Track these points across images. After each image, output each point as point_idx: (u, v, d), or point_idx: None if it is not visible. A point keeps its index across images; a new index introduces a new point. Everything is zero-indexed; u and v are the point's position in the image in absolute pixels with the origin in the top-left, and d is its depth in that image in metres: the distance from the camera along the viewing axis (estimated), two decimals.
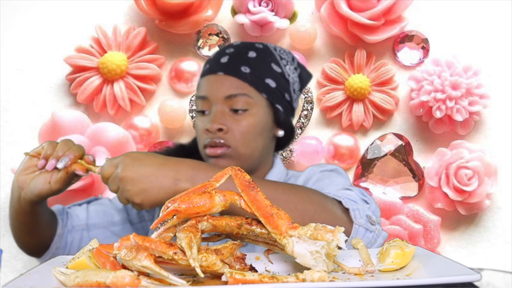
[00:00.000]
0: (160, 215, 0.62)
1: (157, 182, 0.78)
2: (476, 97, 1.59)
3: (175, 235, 0.61)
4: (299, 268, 0.59)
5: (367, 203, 0.90)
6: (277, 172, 1.09)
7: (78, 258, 0.63)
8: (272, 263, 0.66)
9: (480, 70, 1.60)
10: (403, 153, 1.67)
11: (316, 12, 1.71)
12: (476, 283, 0.55)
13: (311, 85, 1.67)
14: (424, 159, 1.69)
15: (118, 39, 1.67)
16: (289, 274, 0.56)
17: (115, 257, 0.60)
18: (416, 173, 1.66)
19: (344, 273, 0.62)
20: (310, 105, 1.69)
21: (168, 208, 0.61)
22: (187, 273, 0.62)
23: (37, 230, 1.01)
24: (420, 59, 1.69)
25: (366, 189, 1.67)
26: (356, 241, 0.69)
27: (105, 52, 1.67)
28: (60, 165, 0.88)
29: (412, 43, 1.68)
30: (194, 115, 1.68)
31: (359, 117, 1.67)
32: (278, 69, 1.04)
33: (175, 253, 0.56)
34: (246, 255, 0.65)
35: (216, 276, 0.59)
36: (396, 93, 1.69)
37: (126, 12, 1.74)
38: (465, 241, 1.69)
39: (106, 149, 1.58)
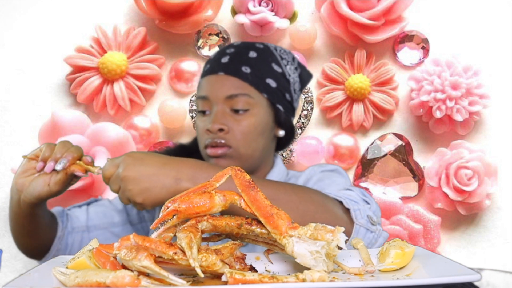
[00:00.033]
0: (160, 215, 0.62)
1: (159, 181, 0.78)
2: (476, 97, 1.59)
3: (175, 235, 0.61)
4: (299, 268, 0.59)
5: (368, 203, 0.90)
6: (277, 172, 1.09)
7: (78, 258, 0.63)
8: (272, 263, 0.66)
9: (480, 70, 1.60)
10: (403, 153, 1.67)
11: (316, 12, 1.71)
12: (476, 283, 0.55)
13: (311, 85, 1.67)
14: (424, 159, 1.69)
15: (118, 39, 1.67)
16: (289, 274, 0.56)
17: (115, 257, 0.60)
18: (416, 173, 1.66)
19: (344, 273, 0.62)
20: (310, 105, 1.69)
21: (168, 208, 0.61)
22: (187, 273, 0.62)
23: (37, 232, 1.01)
24: (420, 59, 1.69)
25: (366, 189, 1.67)
26: (356, 241, 0.69)
27: (105, 52, 1.67)
28: (58, 167, 0.88)
29: (412, 43, 1.68)
30: (194, 115, 1.68)
31: (359, 117, 1.67)
32: (278, 69, 1.04)
33: (175, 253, 0.56)
34: (246, 255, 0.65)
35: (216, 276, 0.59)
36: (396, 93, 1.69)
37: (126, 12, 1.74)
38: (465, 241, 1.69)
39: (106, 149, 1.58)
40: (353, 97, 1.67)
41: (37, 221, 0.98)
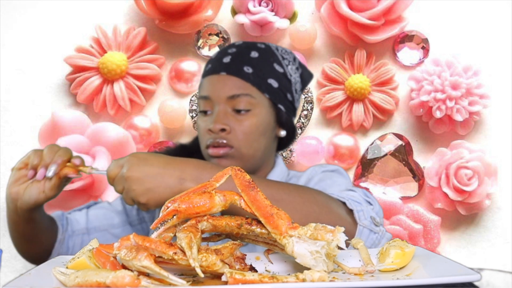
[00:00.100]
0: (160, 215, 0.62)
1: (163, 181, 0.78)
2: (476, 97, 1.59)
3: (175, 235, 0.61)
4: (299, 268, 0.59)
5: (371, 204, 0.90)
6: (278, 172, 1.09)
7: (78, 258, 0.63)
8: (272, 263, 0.66)
9: (480, 70, 1.61)
10: (403, 153, 1.67)
11: (316, 12, 1.71)
12: (476, 283, 0.55)
13: (311, 85, 1.67)
14: (424, 159, 1.69)
15: (118, 39, 1.67)
16: (289, 274, 0.56)
17: (115, 257, 0.60)
18: (416, 173, 1.66)
19: (344, 273, 0.62)
20: (310, 105, 1.69)
21: (168, 208, 0.61)
22: (187, 273, 0.62)
23: (37, 237, 1.01)
24: (420, 59, 1.69)
25: (366, 189, 1.67)
26: (356, 241, 0.69)
27: (105, 52, 1.67)
28: (49, 174, 0.88)
29: (412, 43, 1.68)
30: (194, 115, 1.68)
31: (359, 117, 1.67)
32: (280, 69, 1.04)
33: (175, 253, 0.56)
34: (246, 255, 0.64)
35: (216, 276, 0.59)
36: (396, 93, 1.69)
37: (126, 12, 1.74)
38: (465, 241, 1.69)
39: (106, 149, 1.58)
40: (353, 97, 1.67)
41: (36, 225, 0.99)
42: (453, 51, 1.65)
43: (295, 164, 1.69)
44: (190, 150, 1.10)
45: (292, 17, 1.67)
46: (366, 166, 1.67)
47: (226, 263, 0.59)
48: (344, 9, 1.60)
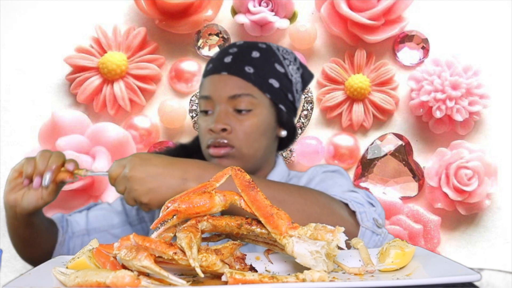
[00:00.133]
0: (160, 215, 0.62)
1: (165, 181, 0.78)
2: (476, 97, 1.59)
3: (175, 235, 0.61)
4: (299, 268, 0.59)
5: (373, 206, 0.90)
6: (279, 172, 1.09)
7: (78, 258, 0.63)
8: (272, 263, 0.66)
9: (480, 70, 1.61)
10: (403, 153, 1.67)
11: (316, 12, 1.71)
12: (476, 283, 0.55)
13: (311, 85, 1.67)
14: (424, 159, 1.69)
15: (118, 39, 1.67)
16: (289, 274, 0.56)
17: (115, 257, 0.60)
18: (416, 173, 1.66)
19: (344, 273, 0.62)
20: (310, 105, 1.69)
21: (168, 208, 0.61)
22: (187, 273, 0.62)
23: (38, 240, 1.01)
24: (420, 59, 1.69)
25: (366, 189, 1.67)
26: (356, 241, 0.69)
27: (105, 52, 1.67)
28: (46, 183, 0.87)
29: (412, 43, 1.68)
30: (194, 115, 1.68)
31: (359, 117, 1.67)
32: (281, 69, 1.04)
33: (175, 253, 0.56)
34: (246, 255, 0.64)
35: (216, 276, 0.59)
36: (396, 93, 1.69)
37: (126, 12, 1.74)
38: (465, 241, 1.69)
39: (106, 149, 1.58)
40: (353, 97, 1.67)
41: (36, 229, 0.99)
42: (453, 51, 1.65)
43: (295, 164, 1.69)
44: (190, 150, 1.10)
45: (292, 17, 1.67)
46: (366, 166, 1.67)
47: (226, 263, 0.59)
48: (344, 9, 1.60)
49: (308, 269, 0.56)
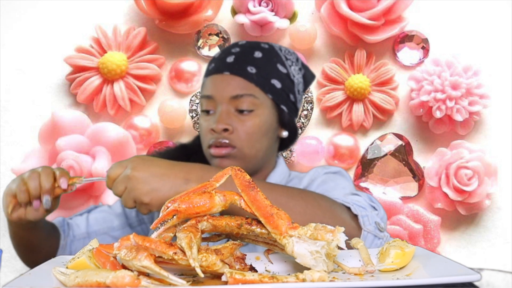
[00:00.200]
0: (160, 215, 0.62)
1: (168, 181, 0.78)
2: (476, 97, 1.59)
3: (175, 235, 0.61)
4: (299, 268, 0.59)
5: (376, 209, 0.90)
6: (279, 173, 1.09)
7: (78, 258, 0.63)
8: (272, 263, 0.66)
9: (480, 70, 1.60)
10: (403, 153, 1.67)
11: (316, 12, 1.71)
12: (476, 283, 0.55)
13: (311, 85, 1.66)
14: (424, 159, 1.69)
15: (118, 39, 1.67)
16: (289, 274, 0.56)
17: (115, 257, 0.60)
18: (416, 173, 1.66)
19: (344, 273, 0.62)
20: (310, 105, 1.69)
21: (168, 208, 0.61)
22: (187, 273, 0.62)
23: (41, 245, 1.02)
24: (420, 59, 1.69)
25: (366, 189, 1.67)
26: (356, 241, 0.69)
27: (105, 52, 1.67)
28: (47, 206, 0.88)
29: (412, 43, 1.68)
30: (194, 115, 1.68)
31: (359, 117, 1.67)
32: (283, 70, 1.04)
33: (175, 253, 0.56)
34: (246, 255, 0.64)
35: (216, 276, 0.59)
36: (396, 93, 1.69)
37: (126, 12, 1.74)
38: (465, 241, 1.69)
39: (106, 149, 1.58)
40: (353, 97, 1.67)
41: (40, 233, 1.00)
42: (453, 51, 1.65)
43: (295, 164, 1.69)
44: (191, 150, 1.10)
45: (292, 17, 1.67)
46: (366, 166, 1.67)
47: (226, 263, 0.59)
48: (344, 9, 1.60)
49: (308, 269, 0.56)
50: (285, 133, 1.07)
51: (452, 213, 1.65)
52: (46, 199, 0.87)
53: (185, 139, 1.64)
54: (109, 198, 1.55)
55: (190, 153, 1.09)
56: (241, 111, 1.00)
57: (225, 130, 0.99)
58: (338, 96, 1.68)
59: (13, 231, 0.98)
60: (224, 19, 1.72)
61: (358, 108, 1.67)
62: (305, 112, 1.68)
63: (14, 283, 0.56)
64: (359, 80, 1.65)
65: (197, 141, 1.10)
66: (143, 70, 1.67)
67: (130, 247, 0.57)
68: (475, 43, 1.69)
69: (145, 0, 1.63)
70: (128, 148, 1.61)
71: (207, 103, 1.03)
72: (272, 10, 1.64)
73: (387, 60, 1.70)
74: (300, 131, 1.68)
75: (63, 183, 0.88)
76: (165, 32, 1.70)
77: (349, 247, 0.65)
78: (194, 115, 1.68)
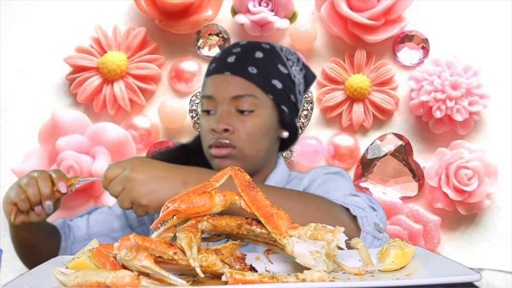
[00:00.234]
0: (160, 215, 0.62)
1: (167, 183, 0.77)
2: (476, 97, 1.59)
3: (175, 235, 0.61)
4: (299, 268, 0.59)
5: (375, 210, 0.89)
6: (280, 173, 1.09)
7: (78, 258, 0.63)
8: (272, 263, 0.66)
9: (480, 70, 1.60)
10: (403, 153, 1.67)
11: (316, 12, 1.71)
12: (476, 283, 0.55)
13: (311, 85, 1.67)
14: (424, 159, 1.69)
15: (118, 39, 1.67)
16: (289, 274, 0.56)
17: (115, 257, 0.60)
18: (416, 173, 1.66)
19: (344, 273, 0.62)
20: (310, 105, 1.69)
21: (168, 208, 0.61)
22: (187, 273, 0.62)
23: (42, 246, 1.02)
24: (420, 59, 1.69)
25: (366, 189, 1.67)
26: (356, 241, 0.69)
27: (105, 52, 1.67)
28: (50, 211, 0.89)
29: (412, 43, 1.68)
30: (194, 115, 1.68)
31: (359, 117, 1.67)
32: (284, 70, 1.04)
33: (175, 253, 0.56)
34: (246, 255, 0.64)
35: (216, 276, 0.59)
36: (396, 93, 1.69)
37: (126, 12, 1.74)
38: (465, 241, 1.69)
39: (106, 149, 1.58)
40: (353, 97, 1.67)
41: (42, 234, 1.01)
42: (453, 51, 1.65)
43: (295, 164, 1.69)
44: (191, 150, 1.10)
45: (292, 17, 1.67)
46: (366, 166, 1.67)
47: (226, 263, 0.59)
48: (344, 9, 1.60)
49: (308, 269, 0.56)
50: (285, 134, 1.07)
51: (452, 213, 1.65)
52: (48, 204, 0.88)
53: (185, 139, 1.64)
54: (109, 198, 1.54)
55: (190, 153, 1.09)
56: (241, 112, 1.00)
57: (226, 130, 0.99)
58: (338, 96, 1.68)
59: (15, 233, 0.98)
60: (224, 19, 1.72)
61: (358, 108, 1.67)
62: (305, 112, 1.68)
63: (14, 283, 0.56)
64: (359, 80, 1.65)
65: (197, 141, 1.09)
66: (143, 70, 1.67)
67: (130, 247, 0.57)
68: (475, 43, 1.69)
69: (145, 0, 1.63)
70: (128, 148, 1.61)
71: (207, 103, 1.03)
72: (272, 10, 1.64)
73: (387, 60, 1.70)
74: (300, 131, 1.68)
75: (62, 187, 0.88)
76: (165, 32, 1.70)
77: (349, 247, 0.65)
78: (194, 115, 1.68)
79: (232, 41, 1.71)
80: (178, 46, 1.73)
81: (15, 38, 1.73)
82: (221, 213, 0.64)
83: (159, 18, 1.66)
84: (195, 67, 1.70)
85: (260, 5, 1.64)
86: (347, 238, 0.59)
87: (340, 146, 1.67)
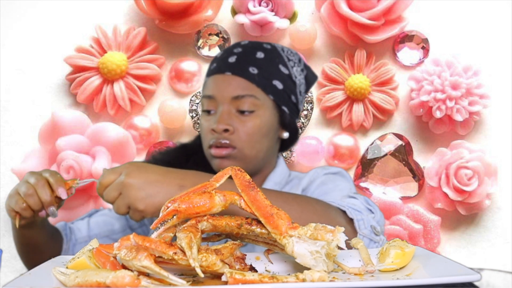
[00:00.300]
0: (160, 215, 0.62)
1: (163, 188, 0.77)
2: (476, 97, 1.59)
3: (175, 235, 0.61)
4: (299, 268, 0.59)
5: (372, 212, 0.89)
6: (279, 173, 1.09)
7: (78, 258, 0.63)
8: (272, 263, 0.66)
9: (480, 70, 1.60)
10: (403, 153, 1.67)
11: (316, 12, 1.71)
12: (476, 283, 0.55)
13: None
14: (424, 159, 1.69)
15: (118, 39, 1.67)
16: (289, 274, 0.56)
17: (115, 257, 0.60)
18: (416, 173, 1.66)
19: (344, 273, 0.62)
20: (310, 105, 1.69)
21: (168, 208, 0.61)
22: (187, 273, 0.62)
23: (46, 246, 1.03)
24: (420, 59, 1.69)
25: (366, 189, 1.67)
26: (356, 241, 0.69)
27: (105, 52, 1.67)
28: (54, 216, 0.89)
29: (412, 43, 1.68)
30: (194, 115, 1.68)
31: (359, 117, 1.67)
32: (285, 71, 1.04)
33: (175, 253, 0.56)
34: (246, 255, 0.65)
35: (216, 276, 0.59)
36: (396, 93, 1.69)
37: (126, 12, 1.74)
38: (465, 241, 1.69)
39: (106, 149, 1.58)
40: (353, 97, 1.67)
41: (45, 232, 1.01)
42: (453, 51, 1.65)
43: (295, 164, 1.69)
44: (191, 150, 1.10)
45: (292, 17, 1.67)
46: (366, 166, 1.67)
47: (226, 263, 0.59)
48: (344, 9, 1.60)
49: (308, 269, 0.56)
50: (285, 134, 1.07)
51: (452, 213, 1.65)
52: (51, 210, 0.88)
53: (185, 139, 1.64)
54: (110, 205, 1.54)
55: (191, 153, 1.09)
56: (242, 112, 1.00)
57: (226, 130, 0.99)
58: (338, 96, 1.68)
59: (19, 232, 0.98)
60: (224, 19, 1.72)
61: (358, 108, 1.67)
62: (305, 112, 1.68)
63: (14, 283, 0.56)
64: (359, 80, 1.65)
65: (197, 141, 1.09)
66: (143, 70, 1.67)
67: (130, 247, 0.57)
68: (475, 43, 1.69)
69: (145, 0, 1.63)
70: (128, 148, 1.61)
71: (208, 103, 1.03)
72: (272, 10, 1.64)
73: (387, 60, 1.70)
74: (300, 131, 1.68)
75: (62, 193, 0.88)
76: (165, 32, 1.70)
77: (349, 247, 0.65)
78: (194, 115, 1.68)
79: (232, 41, 1.71)
80: (178, 46, 1.73)
81: (15, 38, 1.73)
82: (221, 213, 0.64)
83: (159, 18, 1.66)
84: (195, 67, 1.70)
85: (260, 5, 1.64)
86: (347, 238, 0.59)
87: (340, 146, 1.67)
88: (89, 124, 1.65)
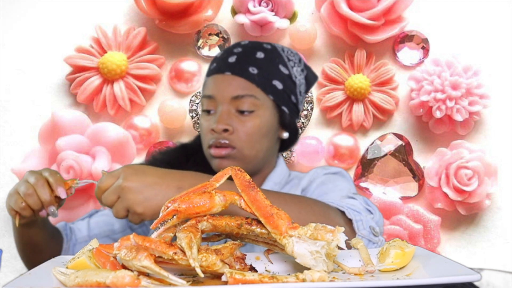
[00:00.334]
0: (160, 215, 0.62)
1: (161, 191, 0.77)
2: (476, 97, 1.59)
3: (175, 235, 0.61)
4: (299, 268, 0.59)
5: (371, 213, 0.89)
6: (279, 173, 1.09)
7: (78, 258, 0.63)
8: (272, 263, 0.66)
9: (480, 70, 1.60)
10: (403, 153, 1.67)
11: (316, 12, 1.71)
12: (476, 283, 0.55)
13: None
14: (424, 159, 1.69)
15: (118, 39, 1.67)
16: (289, 274, 0.56)
17: (115, 257, 0.60)
18: (416, 173, 1.66)
19: (344, 273, 0.62)
20: (310, 105, 1.69)
21: (168, 208, 0.61)
22: (187, 273, 0.62)
23: (47, 245, 1.03)
24: (420, 59, 1.69)
25: (366, 189, 1.67)
26: (356, 241, 0.69)
27: (105, 52, 1.67)
28: (54, 216, 0.90)
29: (412, 43, 1.68)
30: (194, 115, 1.68)
31: (359, 117, 1.67)
32: (285, 71, 1.04)
33: (175, 253, 0.56)
34: (246, 255, 0.65)
35: (216, 276, 0.59)
36: (396, 93, 1.69)
37: (126, 12, 1.74)
38: (465, 241, 1.69)
39: (106, 149, 1.58)
40: (353, 97, 1.67)
41: (46, 231, 1.01)
42: (453, 51, 1.65)
43: (295, 164, 1.69)
44: (191, 150, 1.10)
45: (292, 17, 1.67)
46: (366, 166, 1.67)
47: (226, 263, 0.59)
48: (344, 9, 1.60)
49: (308, 269, 0.56)
50: (285, 134, 1.07)
51: (452, 213, 1.65)
52: (52, 210, 0.88)
53: (185, 139, 1.64)
54: None
55: (190, 153, 1.09)
56: (241, 112, 1.00)
57: (225, 130, 0.99)
58: (338, 96, 1.68)
59: (20, 231, 0.99)
60: (224, 19, 1.72)
61: (358, 108, 1.67)
62: (305, 112, 1.68)
63: (14, 283, 0.56)
64: (359, 80, 1.65)
65: (197, 141, 1.09)
66: (143, 70, 1.67)
67: (130, 247, 0.57)
68: (475, 43, 1.69)
69: (145, 0, 1.63)
70: (128, 148, 1.61)
71: (208, 103, 1.03)
72: (272, 10, 1.64)
73: (387, 60, 1.70)
74: (300, 131, 1.68)
75: (61, 193, 0.88)
76: (165, 32, 1.70)
77: (349, 247, 0.65)
78: (194, 115, 1.68)
79: (232, 41, 1.71)
80: (178, 46, 1.73)
81: (15, 38, 1.73)
82: (221, 213, 0.64)
83: (159, 18, 1.66)
84: (195, 67, 1.70)
85: (260, 5, 1.64)
86: (347, 238, 0.59)
87: (340, 146, 1.67)
88: (89, 124, 1.65)
